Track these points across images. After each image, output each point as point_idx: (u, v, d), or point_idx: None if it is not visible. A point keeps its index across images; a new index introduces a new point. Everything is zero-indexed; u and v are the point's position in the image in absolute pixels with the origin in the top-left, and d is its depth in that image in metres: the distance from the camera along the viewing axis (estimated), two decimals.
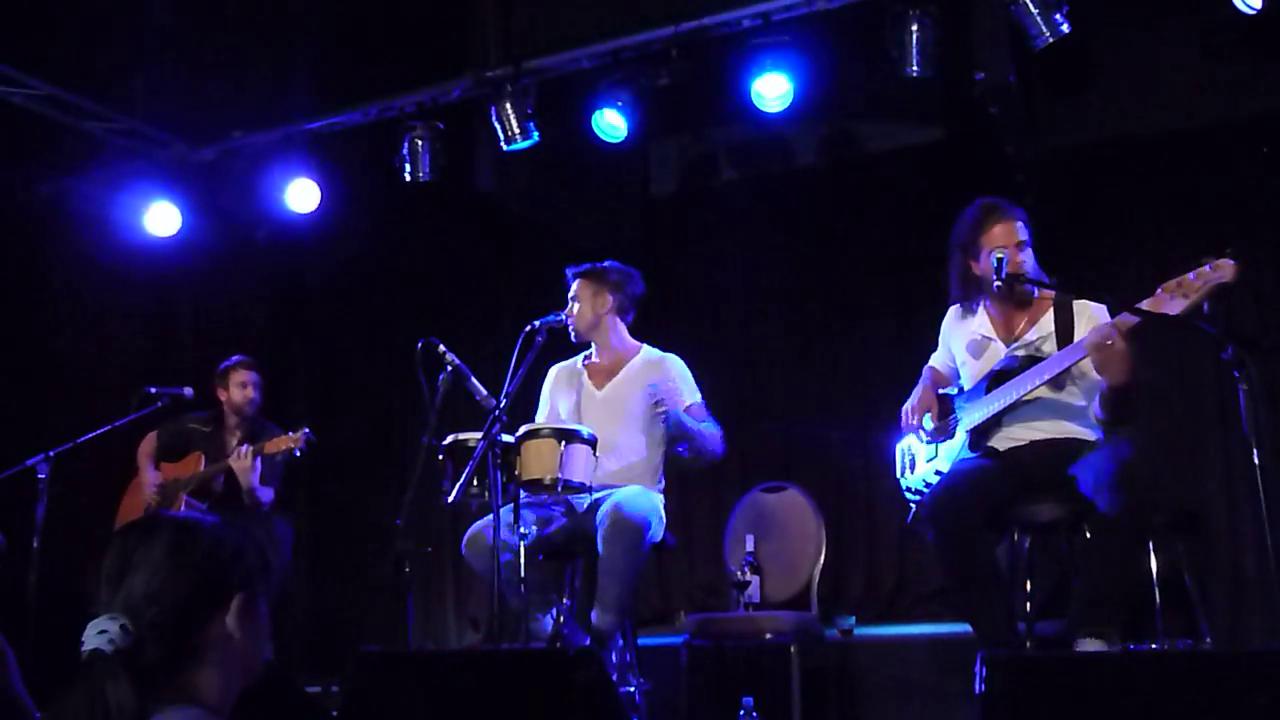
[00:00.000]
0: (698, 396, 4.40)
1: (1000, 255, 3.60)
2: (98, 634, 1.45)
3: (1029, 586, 3.76)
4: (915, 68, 4.97)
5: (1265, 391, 2.94)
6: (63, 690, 1.45)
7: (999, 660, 2.40)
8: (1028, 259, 3.67)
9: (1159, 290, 3.25)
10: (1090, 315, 3.63)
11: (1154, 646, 3.68)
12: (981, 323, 3.86)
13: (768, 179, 6.42)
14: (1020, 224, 3.70)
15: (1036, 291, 3.75)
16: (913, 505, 3.91)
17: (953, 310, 4.00)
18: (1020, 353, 3.69)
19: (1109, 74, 5.45)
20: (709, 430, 4.28)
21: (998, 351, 3.77)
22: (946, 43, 5.01)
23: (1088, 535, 3.58)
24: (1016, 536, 3.75)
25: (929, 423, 3.88)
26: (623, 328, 4.53)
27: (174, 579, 1.51)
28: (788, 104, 5.29)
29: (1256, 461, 2.90)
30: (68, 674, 1.46)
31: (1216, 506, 5.25)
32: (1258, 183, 5.37)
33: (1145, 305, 3.29)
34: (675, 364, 4.46)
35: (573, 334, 4.41)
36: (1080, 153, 5.65)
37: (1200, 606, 4.56)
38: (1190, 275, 3.18)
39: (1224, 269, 3.14)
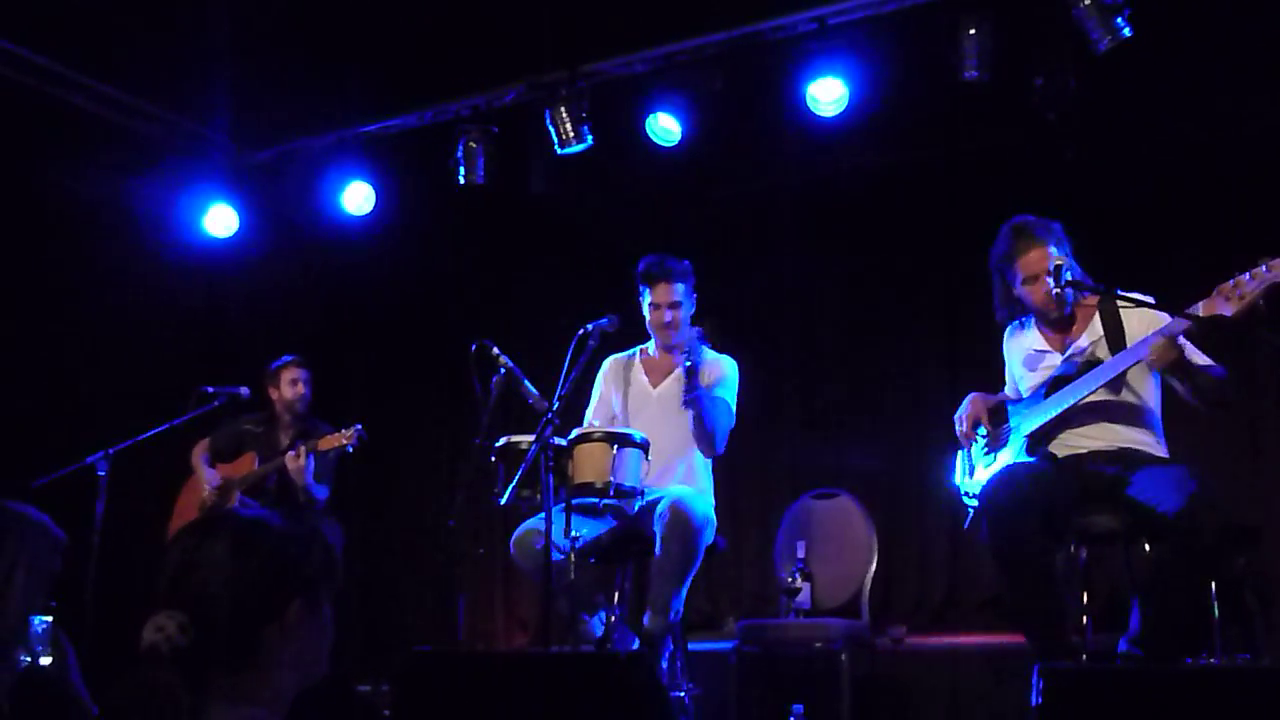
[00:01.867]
0: (731, 399, 4.36)
1: (1059, 261, 3.60)
2: (155, 630, 1.46)
3: (1085, 598, 3.72)
4: (973, 72, 4.93)
5: None
6: (116, 683, 1.46)
7: (1056, 672, 2.37)
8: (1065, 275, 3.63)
9: (1214, 291, 3.21)
10: (1141, 313, 3.60)
11: (1212, 661, 3.62)
12: (1034, 338, 3.87)
13: (822, 184, 6.38)
14: (1052, 248, 3.66)
15: (1070, 309, 3.72)
16: (970, 510, 3.87)
17: (1009, 330, 4.01)
18: (1077, 359, 3.67)
19: (1165, 78, 5.37)
20: (722, 422, 4.25)
21: (1054, 362, 3.76)
22: (1005, 47, 4.97)
23: (1146, 548, 3.54)
24: (1074, 548, 3.70)
25: (982, 430, 3.85)
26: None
27: (235, 578, 1.52)
28: (843, 108, 5.27)
29: None
30: (124, 670, 1.48)
31: (1277, 520, 5.15)
32: None
33: (1200, 307, 3.26)
34: (728, 366, 4.45)
35: (667, 339, 4.39)
36: (1134, 159, 5.56)
37: (1259, 622, 4.47)
38: (1245, 275, 3.15)
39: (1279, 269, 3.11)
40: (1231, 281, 3.18)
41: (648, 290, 4.41)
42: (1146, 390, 3.63)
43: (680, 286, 4.39)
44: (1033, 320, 3.86)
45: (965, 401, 3.93)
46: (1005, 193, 5.84)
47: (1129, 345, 3.56)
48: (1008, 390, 4.04)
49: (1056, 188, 5.48)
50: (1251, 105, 5.24)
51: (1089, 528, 3.60)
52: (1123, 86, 5.34)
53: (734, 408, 4.38)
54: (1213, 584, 3.91)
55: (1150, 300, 3.58)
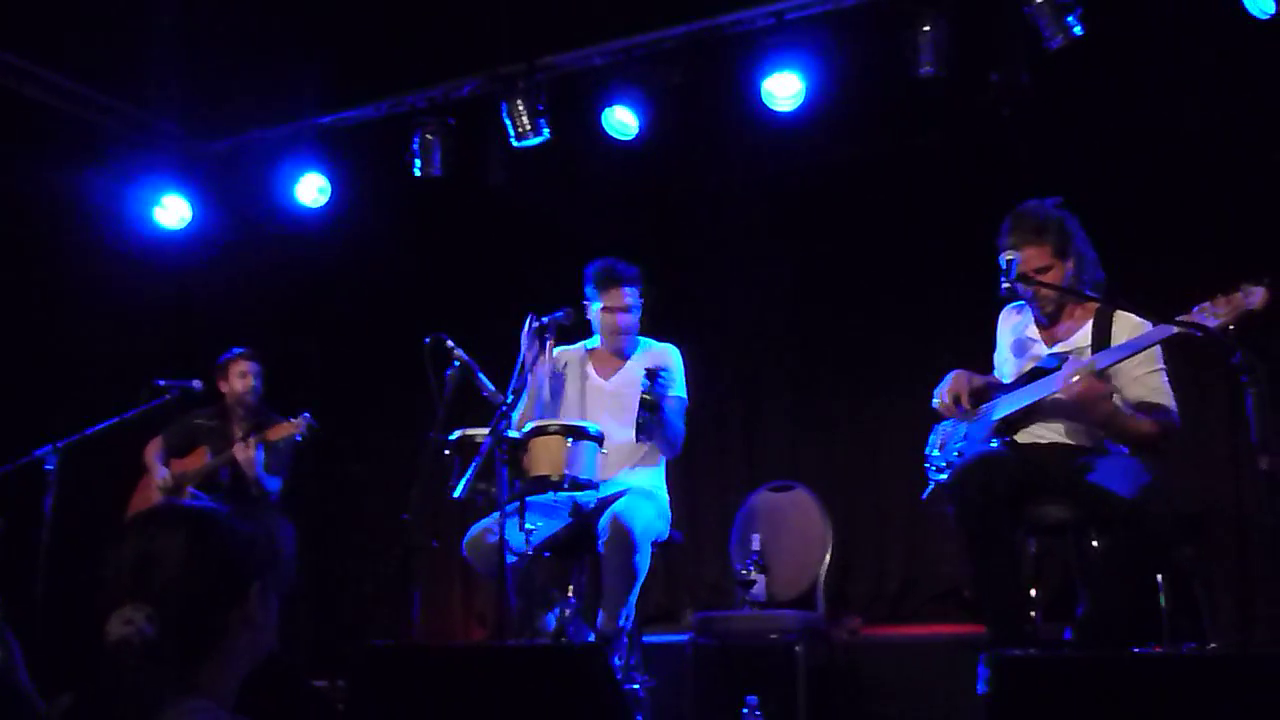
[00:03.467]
0: (682, 393, 4.41)
1: (1010, 257, 3.62)
2: (124, 624, 1.46)
3: (1034, 589, 3.76)
4: (928, 68, 4.97)
5: (1274, 397, 2.93)
6: (84, 680, 1.46)
7: (1003, 660, 2.40)
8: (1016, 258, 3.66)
9: (1194, 310, 3.26)
10: (1132, 326, 3.63)
11: (1159, 650, 3.67)
12: (1028, 325, 3.91)
13: (778, 178, 6.41)
14: (1036, 249, 3.69)
15: (1053, 307, 3.76)
16: (933, 482, 3.90)
17: (1007, 308, 4.04)
18: (1059, 355, 3.71)
19: (1124, 75, 5.43)
20: (679, 425, 4.31)
21: (1039, 353, 3.81)
22: (960, 43, 5.01)
23: (1095, 543, 3.59)
24: (1024, 537, 3.75)
25: (962, 406, 3.85)
26: None
27: (197, 569, 1.52)
28: (800, 103, 5.29)
29: (1264, 467, 2.90)
30: (75, 665, 1.47)
31: (1224, 511, 5.24)
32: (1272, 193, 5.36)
33: (1174, 325, 3.32)
34: (673, 355, 4.49)
35: (619, 344, 4.41)
36: (1093, 155, 5.62)
37: (1207, 611, 4.55)
38: (1221, 299, 3.22)
39: (1255, 296, 3.19)
40: (1210, 302, 3.24)
41: (598, 294, 4.42)
42: (1131, 397, 3.64)
43: (632, 290, 4.41)
44: (1036, 313, 3.88)
45: (948, 376, 3.92)
46: (960, 188, 5.90)
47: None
48: (995, 369, 4.06)
49: (1010, 184, 5.54)
50: (1201, 103, 5.31)
51: (1040, 519, 3.65)
52: (1076, 84, 5.40)
53: (684, 395, 4.40)
54: (1160, 574, 3.97)
55: (1139, 320, 3.61)
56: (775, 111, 5.34)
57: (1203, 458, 5.35)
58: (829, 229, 6.51)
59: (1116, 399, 3.62)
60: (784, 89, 5.27)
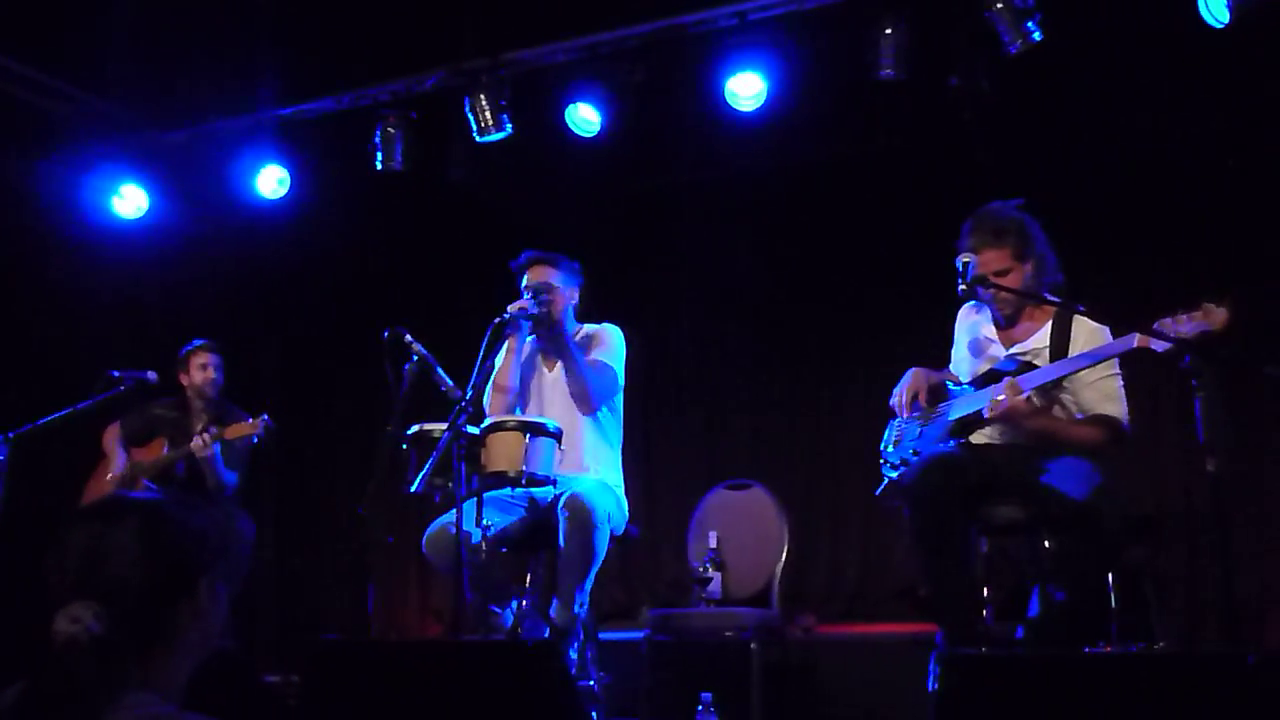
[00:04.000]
0: (614, 365, 4.38)
1: (967, 260, 3.65)
2: (71, 621, 1.44)
3: (986, 589, 3.80)
4: (889, 71, 5.00)
5: (1222, 400, 2.97)
6: (30, 678, 1.44)
7: (953, 659, 2.42)
8: (973, 260, 3.70)
9: (1155, 325, 3.25)
10: (1089, 332, 3.65)
11: (1107, 649, 3.72)
12: (986, 325, 3.91)
13: (740, 177, 6.44)
14: (996, 252, 3.71)
15: (1011, 309, 3.80)
16: (887, 478, 3.92)
17: (965, 307, 4.04)
18: (1018, 359, 3.73)
19: (1080, 82, 5.49)
20: (598, 381, 4.27)
21: (997, 354, 3.82)
22: (921, 47, 5.05)
23: (1046, 544, 3.62)
24: (976, 537, 3.78)
25: (917, 407, 3.87)
26: (573, 315, 4.56)
27: (145, 563, 1.49)
28: (761, 103, 5.31)
29: (1211, 469, 2.95)
30: (24, 658, 1.45)
31: (1174, 513, 5.31)
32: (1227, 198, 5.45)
33: (1135, 340, 3.34)
34: (609, 332, 4.47)
35: (544, 327, 4.40)
36: (1050, 164, 5.68)
37: (1156, 610, 4.61)
38: (1184, 316, 3.20)
39: (1216, 316, 3.17)
40: (1171, 319, 3.23)
41: (519, 280, 4.44)
42: (1084, 403, 3.66)
43: (550, 272, 4.41)
44: (995, 313, 3.88)
45: (907, 374, 3.92)
46: (920, 191, 5.95)
47: (1070, 355, 3.62)
48: (952, 367, 4.07)
49: (970, 188, 5.58)
50: (1159, 110, 5.38)
51: (992, 518, 3.68)
52: (1036, 89, 5.45)
53: (620, 374, 4.40)
54: (1111, 574, 4.02)
55: (1096, 326, 3.64)
56: (737, 111, 5.36)
57: (1153, 460, 5.43)
58: (790, 229, 6.55)
59: (1060, 408, 3.66)
60: (746, 89, 5.29)
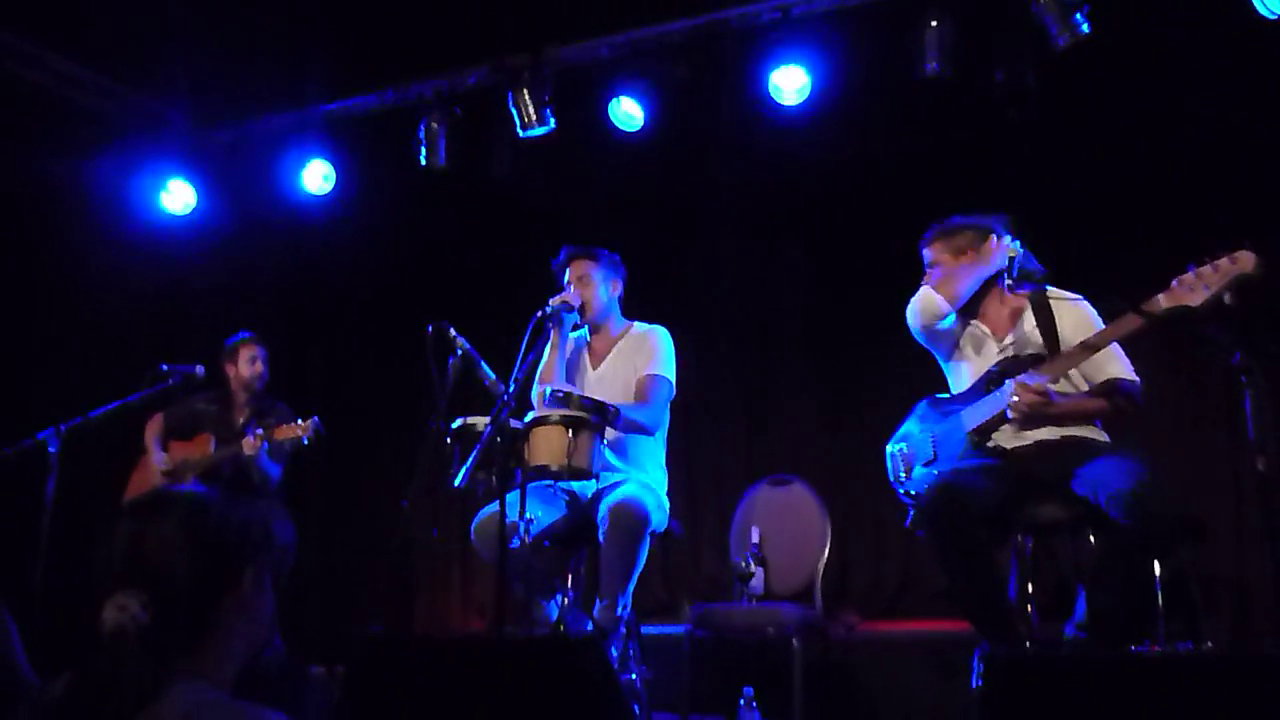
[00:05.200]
0: (662, 370, 4.39)
1: (1013, 254, 3.65)
2: (118, 610, 1.46)
3: (1030, 588, 3.76)
4: (933, 65, 4.97)
5: (1272, 398, 2.93)
6: (79, 666, 1.46)
7: (997, 658, 2.41)
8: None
9: (1174, 283, 3.21)
10: (1071, 311, 3.68)
11: (1154, 649, 3.68)
12: (968, 321, 3.92)
13: (783, 174, 6.42)
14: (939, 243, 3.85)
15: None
16: (910, 509, 3.89)
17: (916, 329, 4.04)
18: (1012, 351, 3.71)
19: (1130, 76, 5.42)
20: (636, 416, 4.26)
21: (992, 351, 3.80)
22: (966, 42, 5.01)
23: (1091, 540, 3.59)
24: (1020, 538, 3.75)
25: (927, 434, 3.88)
26: (619, 310, 4.57)
27: (190, 555, 1.53)
28: (805, 98, 5.29)
29: (1260, 468, 2.90)
30: (73, 648, 1.47)
31: (1222, 513, 5.24)
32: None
33: (1162, 298, 3.27)
34: (659, 335, 4.49)
35: (584, 319, 4.43)
36: (1098, 157, 5.62)
37: (1203, 612, 4.55)
38: (1209, 267, 3.14)
39: (1243, 260, 3.10)
40: (1194, 273, 3.16)
41: (562, 277, 4.48)
42: (1088, 374, 3.67)
43: (590, 265, 4.47)
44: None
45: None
46: (963, 189, 5.90)
47: (1061, 340, 3.63)
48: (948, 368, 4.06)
49: (1015, 183, 5.54)
50: (1210, 105, 5.31)
51: (1035, 518, 3.64)
52: (1082, 84, 5.40)
53: (672, 377, 4.40)
54: (1157, 574, 3.98)
55: (1075, 297, 3.66)
56: (781, 106, 5.35)
57: (1201, 458, 5.36)
58: (832, 225, 6.52)
59: (1067, 381, 3.65)
60: (790, 83, 5.27)
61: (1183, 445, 5.32)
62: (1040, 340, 3.68)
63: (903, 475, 3.93)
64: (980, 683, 2.28)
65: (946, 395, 3.90)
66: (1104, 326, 3.55)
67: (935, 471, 3.78)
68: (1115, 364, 3.64)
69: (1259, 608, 5.14)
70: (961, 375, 3.90)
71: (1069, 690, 2.32)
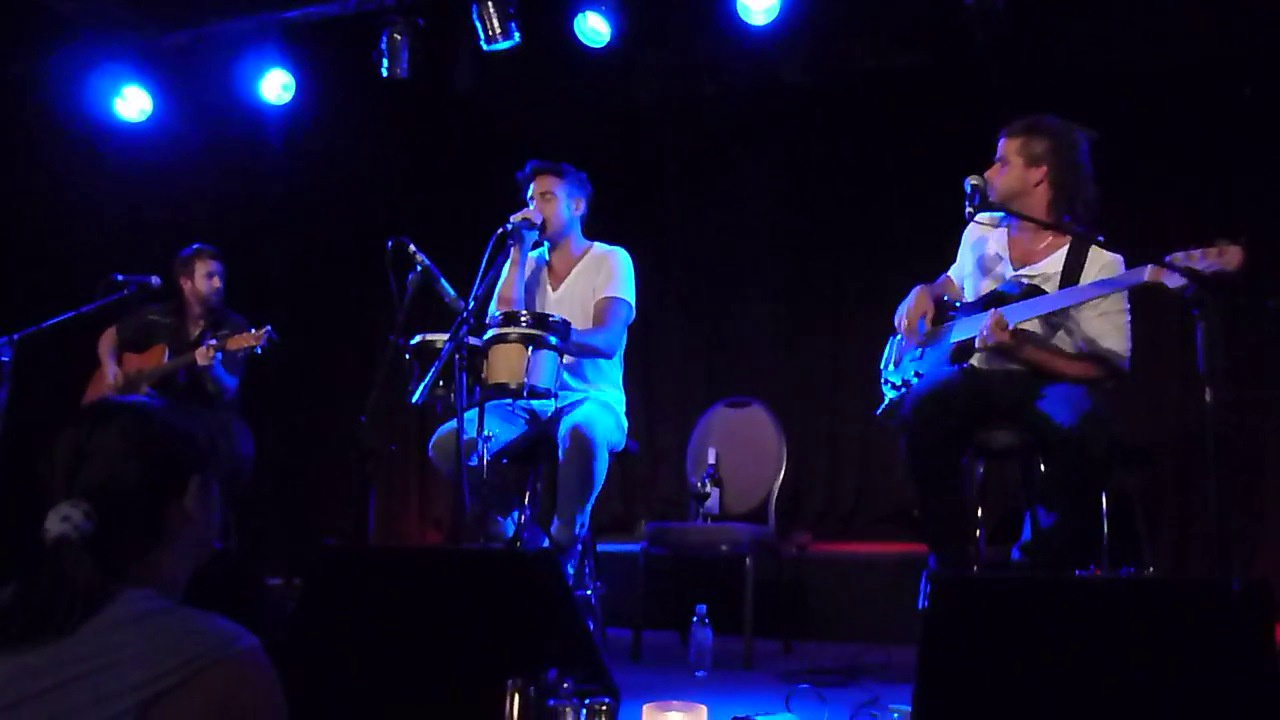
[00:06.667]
0: (620, 293, 4.37)
1: (976, 182, 3.61)
2: (61, 520, 1.46)
3: (980, 511, 3.83)
4: None
5: (1222, 330, 2.96)
6: (24, 575, 1.46)
7: (943, 578, 2.46)
8: (997, 178, 3.68)
9: (1166, 259, 3.19)
10: (1104, 264, 3.60)
11: (1096, 573, 3.76)
12: (999, 241, 3.86)
13: (750, 94, 6.36)
14: (1001, 139, 3.71)
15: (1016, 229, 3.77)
16: (887, 398, 3.93)
17: (980, 219, 3.93)
18: (1023, 281, 3.69)
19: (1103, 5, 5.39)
20: (592, 340, 4.25)
21: (1004, 273, 3.78)
22: None
23: (1043, 468, 3.64)
24: (972, 461, 3.80)
25: (922, 328, 3.84)
26: (580, 230, 4.55)
27: (133, 463, 1.52)
28: (774, 17, 5.23)
29: (1208, 399, 2.95)
30: (25, 559, 1.47)
31: (1170, 442, 5.34)
32: (1242, 124, 5.38)
33: (1147, 274, 3.28)
34: (619, 256, 4.47)
35: (544, 235, 4.40)
36: (1069, 86, 5.60)
37: (1147, 538, 4.66)
38: (1197, 254, 3.12)
39: (1231, 256, 3.09)
40: (1184, 254, 3.14)
41: (525, 192, 4.44)
42: (1089, 333, 3.62)
43: (554, 182, 4.42)
44: (1008, 222, 3.84)
45: (911, 293, 3.90)
46: (929, 113, 5.89)
47: (1080, 284, 3.57)
48: (952, 274, 4.03)
49: (981, 111, 5.52)
50: (1184, 37, 5.30)
51: (989, 442, 3.69)
52: (1052, 10, 5.37)
53: (631, 299, 4.40)
54: (1104, 501, 4.06)
55: (1112, 258, 3.60)
56: (749, 25, 5.28)
57: (1154, 388, 5.44)
58: (797, 146, 6.50)
59: (1065, 334, 3.65)
60: (759, 3, 5.20)
61: (1139, 375, 5.38)
62: (1050, 288, 3.62)
63: (891, 366, 3.96)
64: (927, 603, 2.32)
65: (957, 304, 3.89)
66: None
67: (916, 371, 3.79)
68: (1119, 340, 3.62)
69: (1201, 539, 5.26)
70: (969, 289, 3.91)
71: (1013, 611, 2.37)
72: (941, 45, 5.73)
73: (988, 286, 3.80)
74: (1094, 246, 3.63)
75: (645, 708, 2.13)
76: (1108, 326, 3.60)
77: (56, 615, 1.41)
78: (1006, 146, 3.74)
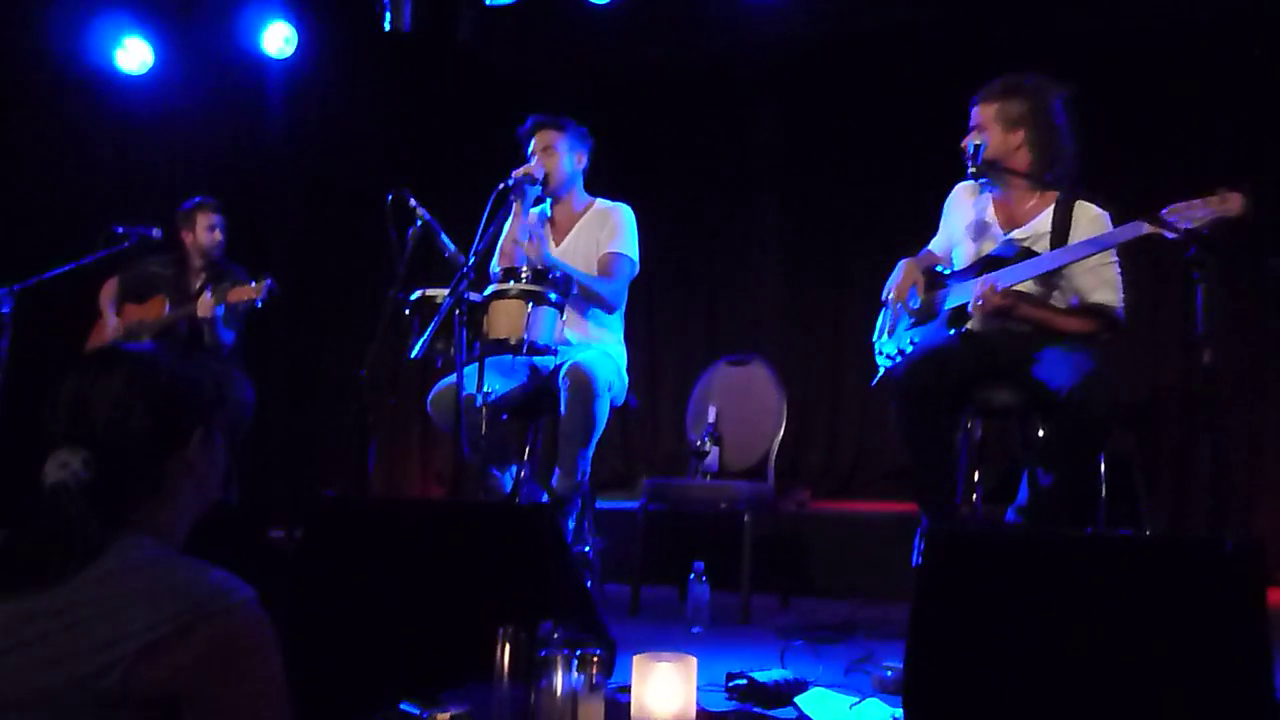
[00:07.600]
0: (624, 249, 4.38)
1: (978, 142, 3.61)
2: (59, 467, 1.45)
3: (977, 473, 3.84)
4: None
5: (1222, 291, 2.96)
6: (23, 522, 1.46)
7: (938, 536, 2.46)
8: (984, 141, 3.66)
9: (1164, 211, 3.18)
10: (1091, 218, 3.61)
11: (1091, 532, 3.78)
12: (985, 206, 3.85)
13: (755, 49, 6.31)
14: (974, 106, 3.70)
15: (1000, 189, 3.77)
16: (881, 369, 3.93)
17: (961, 187, 3.99)
18: (1016, 245, 3.68)
19: None
20: (597, 286, 4.27)
21: (995, 238, 3.78)
22: None
23: (1041, 431, 3.65)
24: (971, 421, 3.81)
25: (915, 299, 3.86)
26: (582, 184, 4.53)
27: (135, 411, 1.50)
28: None
29: (1207, 360, 2.95)
30: (29, 507, 1.47)
31: (1169, 402, 5.34)
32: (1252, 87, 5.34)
33: (1145, 226, 3.26)
34: (622, 212, 4.46)
35: (546, 190, 4.38)
36: (1074, 45, 5.56)
37: (1144, 498, 4.67)
38: (1198, 202, 3.13)
39: (1232, 202, 3.10)
40: (1185, 204, 3.13)
41: (526, 147, 4.42)
42: (1081, 289, 3.63)
43: (556, 136, 4.41)
44: (996, 191, 3.83)
45: (898, 269, 3.91)
46: (932, 70, 5.84)
47: (1069, 244, 3.57)
48: (934, 246, 4.04)
49: (984, 69, 5.48)
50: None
51: (989, 402, 3.70)
52: None
53: (635, 255, 4.40)
54: (1101, 461, 4.06)
55: (1099, 212, 3.60)
56: None
57: (1154, 349, 5.44)
58: (802, 102, 6.46)
59: (1058, 292, 3.65)
60: None
61: (1138, 335, 5.39)
62: (1041, 247, 3.62)
63: (885, 335, 3.96)
64: (921, 560, 2.33)
65: (947, 271, 3.89)
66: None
67: (912, 340, 3.80)
68: (1111, 292, 3.61)
69: (1198, 498, 5.27)
70: (959, 256, 3.90)
71: (1007, 569, 2.37)
72: (948, 2, 5.68)
73: (981, 251, 3.79)
74: (1079, 202, 3.64)
75: (636, 658, 2.15)
76: (1097, 280, 3.61)
77: (53, 561, 1.41)
78: (983, 113, 3.72)
